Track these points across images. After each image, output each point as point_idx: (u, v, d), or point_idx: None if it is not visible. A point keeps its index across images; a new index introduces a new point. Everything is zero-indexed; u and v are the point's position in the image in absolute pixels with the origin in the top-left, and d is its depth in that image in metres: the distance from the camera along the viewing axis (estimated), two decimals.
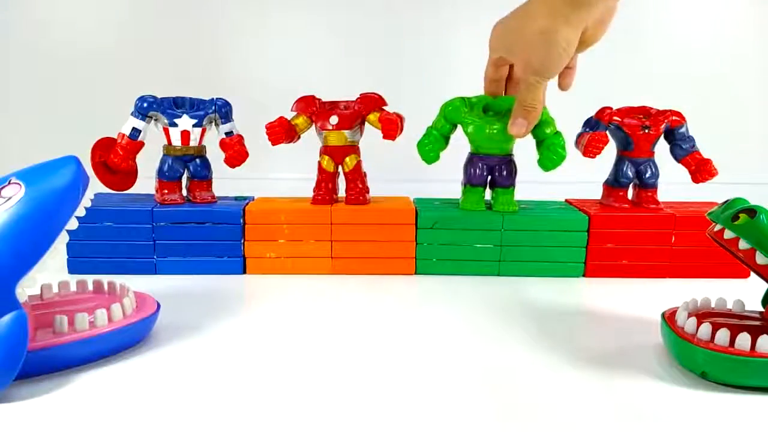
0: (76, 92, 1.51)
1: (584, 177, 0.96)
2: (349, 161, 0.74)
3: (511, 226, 0.72)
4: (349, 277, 0.70)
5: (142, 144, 0.73)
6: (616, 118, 0.75)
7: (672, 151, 0.76)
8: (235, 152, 0.74)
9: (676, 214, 0.72)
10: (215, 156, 0.75)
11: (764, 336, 0.42)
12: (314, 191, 0.75)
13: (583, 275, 0.73)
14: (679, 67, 1.56)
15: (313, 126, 0.74)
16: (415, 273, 0.73)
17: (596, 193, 0.80)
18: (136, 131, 0.71)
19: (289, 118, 0.74)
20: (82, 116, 1.46)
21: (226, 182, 0.80)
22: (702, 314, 0.49)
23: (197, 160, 0.73)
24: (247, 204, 0.74)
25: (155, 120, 0.73)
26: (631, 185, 0.77)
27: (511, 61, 0.66)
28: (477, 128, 0.71)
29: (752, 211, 0.44)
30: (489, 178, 0.74)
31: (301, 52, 1.52)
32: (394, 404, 0.41)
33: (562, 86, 0.67)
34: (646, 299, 0.65)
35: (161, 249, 0.71)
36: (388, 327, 0.56)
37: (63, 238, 0.43)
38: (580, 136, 0.76)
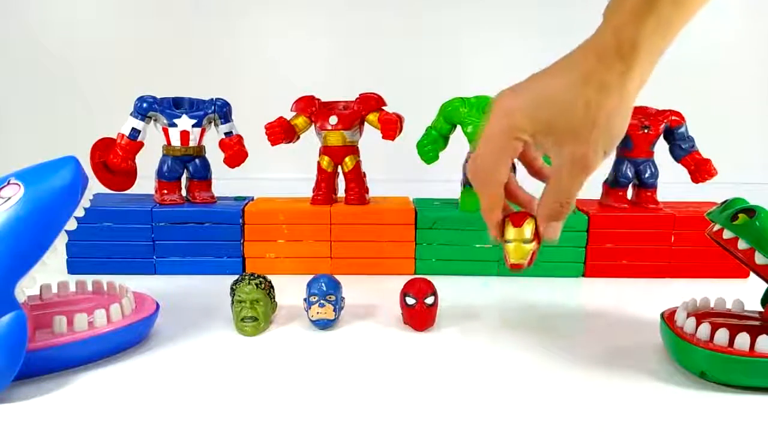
0: (75, 92, 1.51)
1: None
2: (349, 161, 0.74)
3: None
4: (349, 277, 0.70)
5: (141, 144, 0.73)
6: None
7: (671, 151, 0.76)
8: (235, 152, 0.74)
9: (676, 214, 0.72)
10: (215, 156, 0.75)
11: (763, 336, 0.42)
12: (314, 191, 0.75)
13: (583, 275, 0.73)
14: (679, 67, 1.56)
15: (313, 126, 0.74)
16: (415, 273, 0.73)
17: (596, 193, 0.80)
18: (135, 131, 0.71)
19: (288, 119, 0.74)
20: (82, 116, 1.46)
21: (226, 182, 0.80)
22: (701, 314, 0.49)
23: (197, 161, 0.73)
24: (246, 204, 0.74)
25: (154, 120, 0.73)
26: (630, 185, 0.77)
27: (546, 144, 0.44)
28: (476, 128, 0.71)
29: (751, 211, 0.44)
30: None
31: (301, 52, 1.52)
32: (394, 404, 0.41)
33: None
34: (645, 299, 0.65)
35: (161, 249, 0.71)
36: (388, 327, 0.56)
37: (62, 239, 0.43)
38: None
